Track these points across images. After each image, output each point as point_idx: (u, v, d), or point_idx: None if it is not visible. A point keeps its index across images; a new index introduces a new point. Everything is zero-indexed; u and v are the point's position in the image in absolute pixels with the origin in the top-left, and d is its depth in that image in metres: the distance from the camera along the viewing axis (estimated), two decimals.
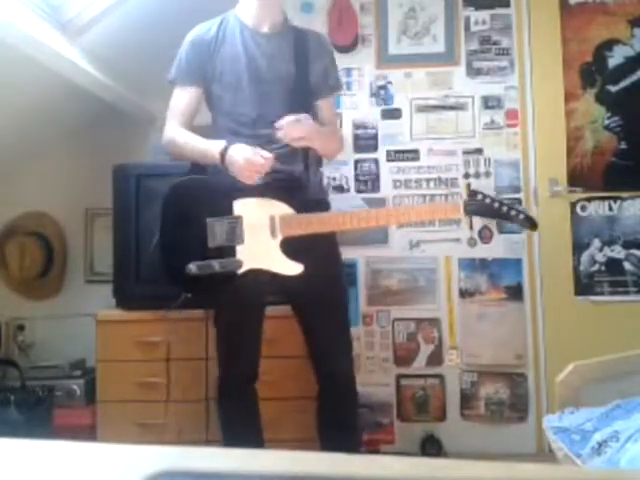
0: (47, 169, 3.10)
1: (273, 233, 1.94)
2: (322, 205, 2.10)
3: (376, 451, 2.88)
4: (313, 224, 1.95)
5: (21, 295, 3.06)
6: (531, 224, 2.00)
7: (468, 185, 2.96)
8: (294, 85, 2.05)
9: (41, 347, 2.98)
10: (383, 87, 3.03)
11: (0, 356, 2.90)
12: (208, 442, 2.46)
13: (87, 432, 2.55)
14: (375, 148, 3.02)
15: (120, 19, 2.57)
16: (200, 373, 2.50)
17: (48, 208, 3.08)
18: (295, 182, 2.01)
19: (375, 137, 3.02)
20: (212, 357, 2.50)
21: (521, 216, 1.97)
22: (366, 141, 3.02)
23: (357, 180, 2.99)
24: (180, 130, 2.07)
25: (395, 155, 3.01)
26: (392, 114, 3.02)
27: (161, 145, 2.80)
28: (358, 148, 2.99)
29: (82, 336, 2.78)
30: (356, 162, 2.99)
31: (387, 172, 3.00)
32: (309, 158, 2.08)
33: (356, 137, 3.00)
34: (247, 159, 1.89)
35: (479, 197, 1.96)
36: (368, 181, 3.00)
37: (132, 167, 2.66)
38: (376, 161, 3.01)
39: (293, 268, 1.93)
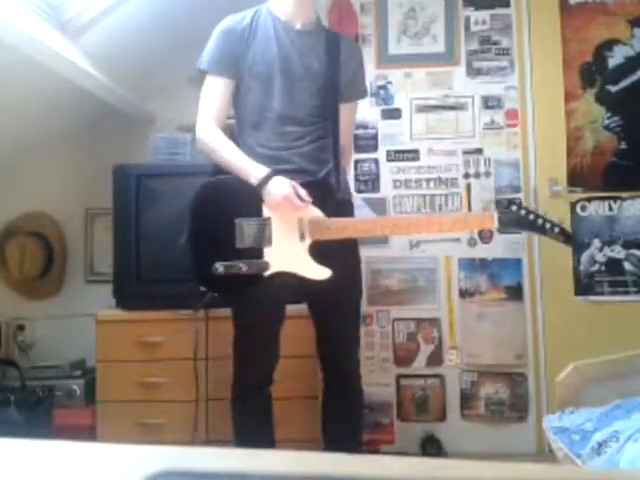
0: (47, 169, 3.10)
1: (302, 236, 1.92)
2: (347, 207, 2.09)
3: (376, 451, 2.88)
4: (342, 229, 1.92)
5: (21, 295, 3.06)
6: (566, 238, 1.93)
7: (468, 185, 2.96)
8: (323, 83, 2.04)
9: (41, 347, 2.98)
10: (383, 87, 3.03)
11: (0, 356, 2.90)
12: (208, 442, 2.46)
13: (87, 432, 2.55)
14: (375, 148, 3.01)
15: (120, 19, 2.57)
16: (200, 373, 2.50)
17: (48, 208, 3.08)
18: (324, 184, 1.99)
19: (375, 137, 3.02)
20: (212, 357, 2.51)
21: (556, 229, 1.90)
22: (366, 141, 3.02)
23: (357, 180, 2.99)
24: (213, 131, 2.01)
25: (395, 155, 3.01)
26: (392, 114, 3.02)
27: (161, 145, 2.83)
28: (358, 148, 2.98)
29: (82, 336, 2.78)
30: (356, 162, 2.98)
31: (387, 172, 3.00)
32: (338, 153, 2.06)
33: (356, 137, 2.98)
34: (287, 197, 1.88)
35: (514, 208, 1.90)
36: (368, 181, 3.00)
37: (132, 167, 2.66)
38: (376, 161, 3.01)
39: (321, 273, 1.90)
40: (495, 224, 1.91)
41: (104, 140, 3.03)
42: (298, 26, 2.06)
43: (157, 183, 2.67)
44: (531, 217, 1.90)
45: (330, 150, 2.04)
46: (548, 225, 1.90)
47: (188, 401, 2.48)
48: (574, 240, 2.88)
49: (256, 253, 1.92)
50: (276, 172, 1.93)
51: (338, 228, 1.92)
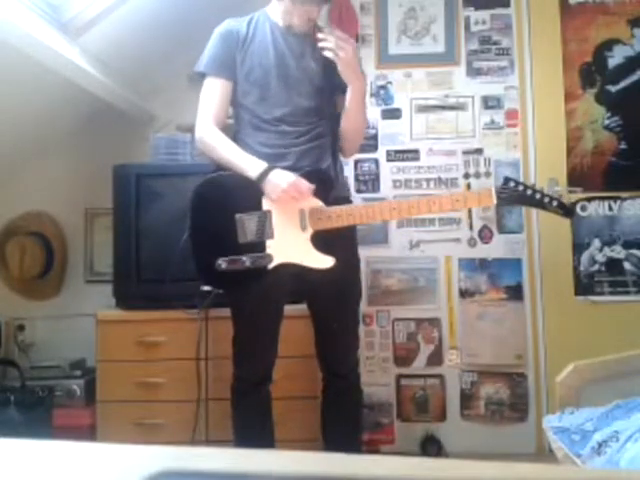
0: (47, 169, 3.10)
1: (303, 226, 1.94)
2: (346, 204, 2.10)
3: (376, 451, 2.88)
4: (343, 217, 1.94)
5: (21, 295, 3.05)
6: (566, 211, 1.94)
7: (468, 185, 2.96)
8: (320, 83, 2.07)
9: (41, 347, 2.98)
10: (383, 87, 3.03)
11: (0, 356, 2.90)
12: (208, 442, 2.46)
13: (87, 432, 2.55)
14: (375, 148, 3.01)
15: (120, 19, 2.56)
16: (200, 373, 2.50)
17: (48, 208, 3.08)
18: (323, 175, 2.01)
19: (375, 137, 3.02)
20: (212, 357, 2.51)
21: (555, 203, 1.92)
22: (366, 141, 3.01)
23: (357, 180, 2.99)
24: (212, 130, 2.04)
25: (395, 155, 3.01)
26: (392, 114, 3.02)
27: (161, 145, 2.83)
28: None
29: (82, 336, 2.78)
30: (356, 162, 2.99)
31: (387, 172, 3.00)
32: (336, 151, 2.09)
33: None
34: (292, 184, 1.90)
35: (512, 184, 1.92)
36: (368, 181, 3.00)
37: (132, 167, 2.66)
38: (376, 161, 3.01)
39: (325, 261, 1.92)
40: (494, 200, 1.93)
41: (104, 140, 3.03)
42: (295, 29, 2.08)
43: (157, 183, 2.67)
44: (529, 192, 1.92)
45: (328, 149, 2.07)
46: (547, 199, 1.92)
47: (188, 401, 2.47)
48: (574, 240, 2.89)
49: (259, 247, 1.93)
50: (275, 167, 1.95)
51: (339, 216, 1.94)
